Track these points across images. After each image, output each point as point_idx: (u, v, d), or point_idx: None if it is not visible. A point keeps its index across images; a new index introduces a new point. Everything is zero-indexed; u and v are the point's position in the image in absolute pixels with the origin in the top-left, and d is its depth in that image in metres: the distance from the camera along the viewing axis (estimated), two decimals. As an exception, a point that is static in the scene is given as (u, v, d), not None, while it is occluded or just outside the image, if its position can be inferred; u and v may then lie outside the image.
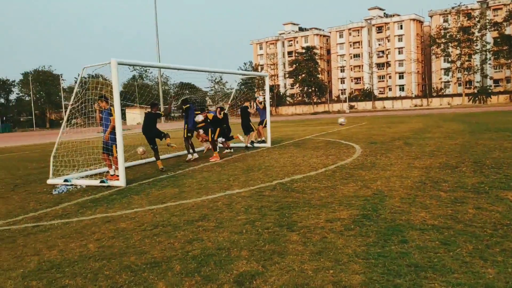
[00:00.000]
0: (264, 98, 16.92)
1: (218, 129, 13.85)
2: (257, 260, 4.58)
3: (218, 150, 14.23)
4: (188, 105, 13.95)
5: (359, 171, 9.80)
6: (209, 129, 13.77)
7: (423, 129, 22.26)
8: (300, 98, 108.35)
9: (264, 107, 16.88)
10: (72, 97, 10.66)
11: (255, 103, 17.05)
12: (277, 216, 6.29)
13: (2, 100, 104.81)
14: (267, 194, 7.85)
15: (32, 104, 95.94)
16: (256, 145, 16.78)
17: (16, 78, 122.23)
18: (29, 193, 9.61)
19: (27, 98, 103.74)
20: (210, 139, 13.78)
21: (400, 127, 24.49)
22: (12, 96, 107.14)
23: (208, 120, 13.75)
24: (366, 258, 4.48)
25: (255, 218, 6.28)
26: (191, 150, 13.61)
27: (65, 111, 11.07)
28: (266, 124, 16.88)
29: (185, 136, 13.64)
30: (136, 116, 72.00)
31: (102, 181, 9.80)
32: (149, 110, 11.94)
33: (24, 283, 4.37)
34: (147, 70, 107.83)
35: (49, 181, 10.52)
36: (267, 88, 17.24)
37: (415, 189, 7.63)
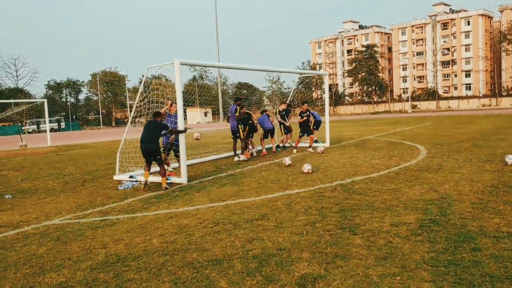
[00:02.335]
0: (321, 98, 16.69)
1: (247, 127, 13.93)
2: (319, 263, 4.47)
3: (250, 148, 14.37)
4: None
5: (425, 173, 9.38)
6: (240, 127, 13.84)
7: (493, 130, 20.99)
8: (359, 98, 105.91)
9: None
10: (137, 97, 11.04)
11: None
12: (338, 218, 6.14)
13: (72, 100, 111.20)
14: (327, 195, 7.69)
15: (100, 104, 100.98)
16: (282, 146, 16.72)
17: (85, 78, 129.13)
18: (97, 188, 10.07)
19: (94, 98, 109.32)
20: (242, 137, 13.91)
21: (468, 128, 23.25)
22: (81, 96, 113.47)
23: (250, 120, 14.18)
24: (435, 266, 4.24)
25: (316, 219, 6.16)
26: (241, 151, 13.81)
27: (130, 110, 11.42)
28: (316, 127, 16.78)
29: (242, 137, 13.68)
30: (196, 115, 73.90)
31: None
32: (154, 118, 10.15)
33: (92, 275, 4.55)
34: (207, 71, 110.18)
35: (116, 177, 10.96)
36: (326, 87, 17.00)
37: (487, 193, 7.16)
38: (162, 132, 9.74)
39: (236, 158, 13.56)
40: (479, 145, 14.16)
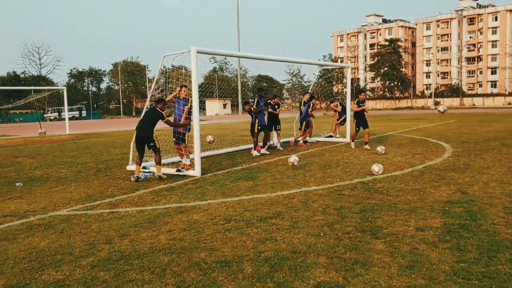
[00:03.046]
0: (341, 92, 16.19)
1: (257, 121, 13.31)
2: (337, 270, 4.08)
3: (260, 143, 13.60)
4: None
5: (451, 173, 8.85)
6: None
7: (522, 129, 20.11)
8: (381, 93, 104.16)
9: (343, 107, 16.22)
10: (153, 85, 10.76)
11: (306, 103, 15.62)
12: (358, 220, 5.72)
13: (94, 89, 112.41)
14: (346, 194, 7.26)
15: (120, 93, 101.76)
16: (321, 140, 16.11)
17: (106, 68, 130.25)
18: (109, 178, 9.83)
19: (116, 87, 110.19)
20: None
21: (494, 126, 22.38)
22: (103, 85, 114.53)
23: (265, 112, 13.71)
24: (467, 278, 3.81)
25: (334, 220, 5.75)
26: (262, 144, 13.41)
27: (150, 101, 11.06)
28: (344, 121, 16.23)
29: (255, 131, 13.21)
30: (215, 107, 73.73)
31: (178, 170, 9.77)
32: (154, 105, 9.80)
33: (92, 273, 4.25)
34: (227, 63, 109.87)
35: (128, 167, 10.72)
36: (348, 80, 16.44)
37: (521, 197, 6.64)
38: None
39: (262, 151, 13.16)
40: (508, 145, 13.47)
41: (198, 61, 9.47)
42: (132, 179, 9.36)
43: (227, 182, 8.74)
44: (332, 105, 16.72)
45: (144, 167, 10.28)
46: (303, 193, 7.49)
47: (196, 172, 9.53)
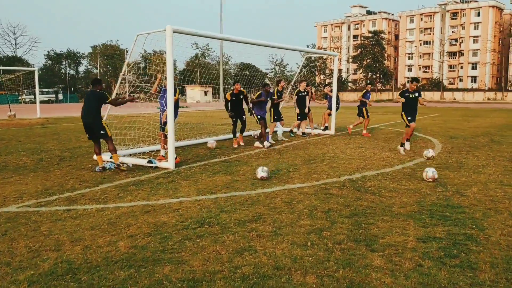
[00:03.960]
0: (331, 83, 15.44)
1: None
2: (330, 295, 3.35)
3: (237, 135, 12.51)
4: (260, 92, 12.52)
5: (445, 171, 8.22)
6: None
7: (507, 125, 19.78)
8: (363, 84, 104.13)
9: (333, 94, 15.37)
10: (124, 67, 9.82)
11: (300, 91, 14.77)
12: (350, 226, 5.00)
13: (72, 72, 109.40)
14: (335, 193, 6.55)
15: (99, 77, 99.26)
16: (307, 131, 15.18)
17: (85, 50, 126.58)
18: (73, 168, 8.92)
19: (94, 71, 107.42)
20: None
21: (479, 122, 22.03)
22: (81, 68, 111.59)
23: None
24: (487, 309, 3.12)
25: (323, 225, 5.02)
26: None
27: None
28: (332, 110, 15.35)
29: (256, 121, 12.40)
30: (196, 94, 72.28)
31: (149, 161, 8.92)
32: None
33: (26, 295, 3.43)
34: (209, 49, 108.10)
35: (96, 157, 9.79)
36: (335, 69, 15.70)
37: (527, 202, 6.03)
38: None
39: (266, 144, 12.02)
40: (498, 141, 12.99)
41: (179, 45, 8.67)
42: (97, 170, 8.49)
43: (203, 176, 7.93)
44: (326, 89, 15.90)
45: (111, 157, 9.39)
46: (287, 191, 6.74)
47: (169, 164, 8.69)
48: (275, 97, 12.87)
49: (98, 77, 8.41)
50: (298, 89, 14.63)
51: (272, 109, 14.04)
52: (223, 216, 5.43)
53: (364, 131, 14.96)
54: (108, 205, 6.07)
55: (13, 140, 13.76)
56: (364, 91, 14.98)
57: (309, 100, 14.85)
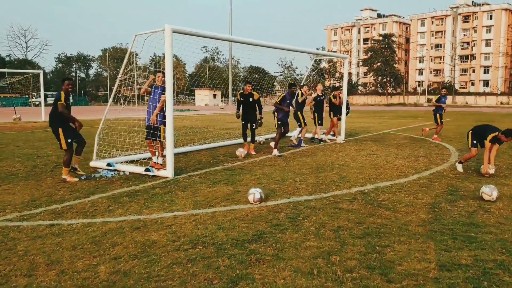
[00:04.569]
0: (340, 86, 14.80)
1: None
2: None
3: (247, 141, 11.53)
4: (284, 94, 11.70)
5: (465, 183, 7.59)
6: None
7: (524, 131, 18.95)
8: (373, 88, 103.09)
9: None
10: (122, 69, 9.33)
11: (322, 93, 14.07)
12: (362, 248, 4.41)
13: (82, 74, 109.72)
14: (344, 208, 5.96)
15: (108, 80, 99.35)
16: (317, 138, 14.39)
17: (95, 53, 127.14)
18: (67, 176, 8.41)
19: (104, 74, 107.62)
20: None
21: (495, 127, 21.21)
22: (91, 71, 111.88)
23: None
24: None
25: (331, 247, 4.44)
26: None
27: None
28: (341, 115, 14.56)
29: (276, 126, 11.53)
30: (204, 97, 71.93)
31: (147, 169, 8.39)
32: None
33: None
34: (219, 53, 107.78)
35: (92, 163, 9.32)
36: (345, 72, 15.09)
37: (561, 220, 5.38)
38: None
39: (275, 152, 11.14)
40: (517, 149, 12.28)
41: (189, 49, 8.30)
42: (83, 178, 8.00)
43: (203, 186, 7.38)
44: (338, 92, 15.11)
45: (108, 164, 8.90)
46: (292, 204, 6.16)
47: (167, 172, 8.15)
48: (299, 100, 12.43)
49: (66, 76, 7.68)
50: (316, 93, 13.85)
51: (316, 114, 13.50)
52: (220, 234, 4.88)
53: (435, 136, 14.42)
54: (96, 219, 5.54)
55: (11, 145, 13.34)
56: (438, 95, 14.43)
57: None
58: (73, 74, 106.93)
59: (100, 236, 4.89)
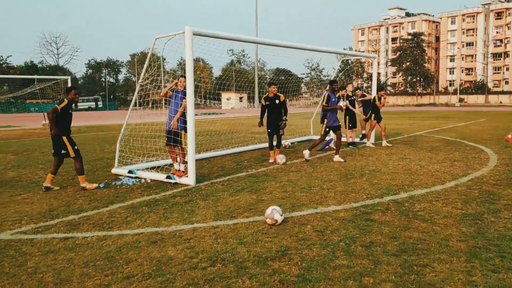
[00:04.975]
0: (363, 86, 14.27)
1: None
2: None
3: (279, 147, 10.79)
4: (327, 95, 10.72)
5: (508, 190, 6.99)
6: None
7: None
8: (402, 88, 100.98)
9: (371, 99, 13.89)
10: (142, 74, 9.14)
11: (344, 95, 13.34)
12: (398, 268, 3.97)
13: (112, 80, 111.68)
14: (377, 219, 5.50)
15: (137, 85, 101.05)
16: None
17: (124, 59, 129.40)
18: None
19: (133, 79, 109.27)
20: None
21: (534, 127, 20.16)
22: (121, 76, 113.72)
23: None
24: None
25: (363, 267, 4.01)
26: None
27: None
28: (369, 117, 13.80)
29: (323, 132, 10.68)
30: (231, 100, 71.85)
31: (168, 177, 8.11)
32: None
33: None
34: (245, 55, 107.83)
35: (113, 171, 9.14)
36: (374, 72, 14.54)
37: None
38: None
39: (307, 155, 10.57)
40: (562, 151, 11.47)
41: (215, 52, 8.54)
42: (102, 186, 7.80)
43: (225, 195, 7.04)
44: (358, 92, 14.42)
45: (130, 171, 8.69)
46: (320, 215, 5.75)
47: (189, 180, 7.86)
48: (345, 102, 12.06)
49: (71, 86, 7.46)
50: (346, 94, 13.12)
51: (347, 117, 13.03)
52: (241, 250, 4.51)
53: (509, 136, 13.27)
54: (112, 232, 5.27)
55: (36, 152, 13.37)
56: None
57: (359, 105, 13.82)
58: (103, 79, 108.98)
59: (115, 251, 4.61)
